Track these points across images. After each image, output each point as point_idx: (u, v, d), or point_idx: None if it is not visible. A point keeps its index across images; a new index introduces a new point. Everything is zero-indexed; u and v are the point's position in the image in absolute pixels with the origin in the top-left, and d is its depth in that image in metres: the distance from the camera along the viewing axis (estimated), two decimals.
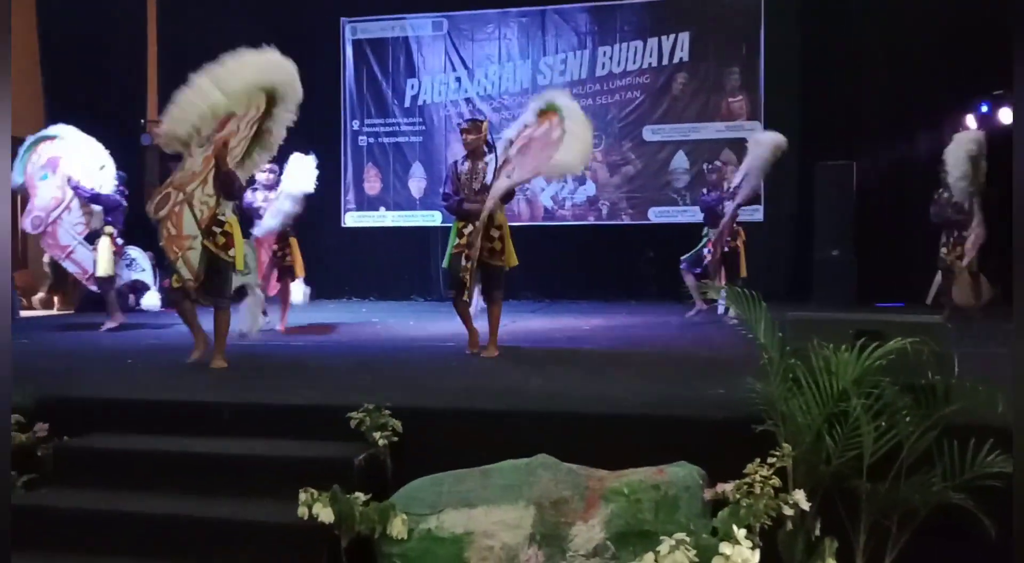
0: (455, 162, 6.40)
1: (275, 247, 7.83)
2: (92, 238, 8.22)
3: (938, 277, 8.60)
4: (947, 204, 8.31)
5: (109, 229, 8.10)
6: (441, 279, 11.36)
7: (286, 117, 5.78)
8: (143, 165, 11.08)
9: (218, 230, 5.61)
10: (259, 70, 5.45)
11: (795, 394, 3.42)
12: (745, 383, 3.65)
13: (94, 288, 8.36)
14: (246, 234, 6.63)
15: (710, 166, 9.53)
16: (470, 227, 5.94)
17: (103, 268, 8.05)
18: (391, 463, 3.91)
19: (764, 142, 8.90)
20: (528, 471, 3.59)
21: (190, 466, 4.03)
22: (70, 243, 8.20)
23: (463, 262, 5.87)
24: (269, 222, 7.61)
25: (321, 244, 9.06)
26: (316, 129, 11.83)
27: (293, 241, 7.87)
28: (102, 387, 4.98)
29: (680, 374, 5.27)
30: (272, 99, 5.65)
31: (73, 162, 8.22)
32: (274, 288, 7.96)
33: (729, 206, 8.61)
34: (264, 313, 7.77)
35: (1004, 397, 3.16)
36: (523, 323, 8.39)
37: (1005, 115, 9.23)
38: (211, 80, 5.20)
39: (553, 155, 5.58)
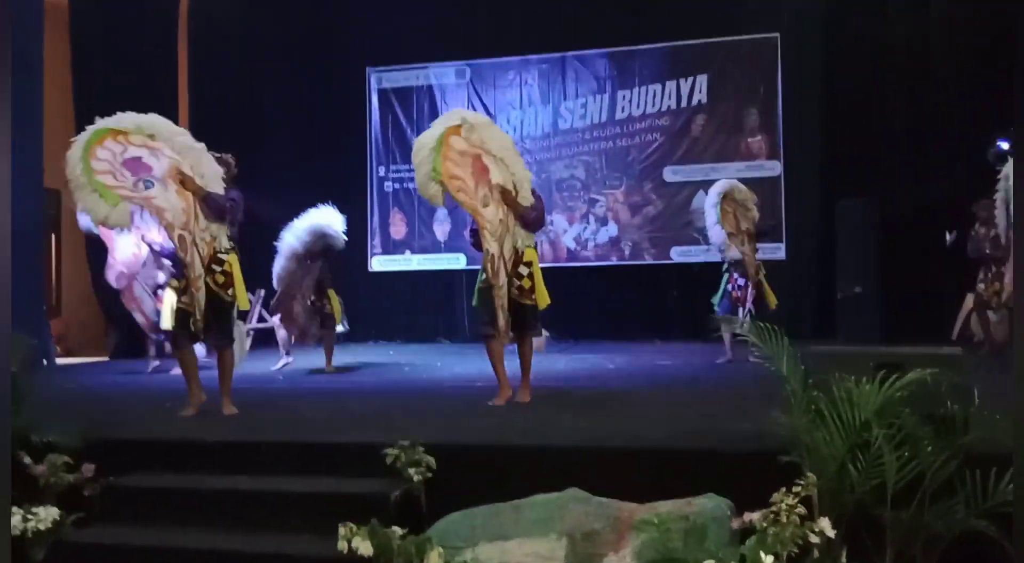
0: None
1: (312, 298, 8.33)
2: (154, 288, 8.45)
3: (963, 312, 8.58)
4: (984, 239, 8.32)
5: (174, 282, 8.28)
6: (468, 320, 11.52)
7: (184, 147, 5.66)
8: None
9: (218, 269, 5.53)
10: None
11: (818, 425, 3.51)
12: (769, 416, 3.73)
13: (156, 336, 8.58)
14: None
15: None
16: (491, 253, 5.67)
17: (169, 320, 8.25)
18: (426, 498, 4.02)
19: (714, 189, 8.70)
20: (559, 505, 3.68)
21: (232, 503, 4.17)
22: (142, 296, 8.43)
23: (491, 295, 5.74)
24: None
25: (348, 288, 9.27)
26: (343, 175, 12.21)
27: (332, 293, 8.45)
28: (144, 428, 5.13)
29: (706, 409, 5.33)
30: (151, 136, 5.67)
31: (148, 221, 8.41)
32: (314, 336, 8.51)
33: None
34: (288, 354, 8.56)
35: None
36: (548, 363, 8.48)
37: None
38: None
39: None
